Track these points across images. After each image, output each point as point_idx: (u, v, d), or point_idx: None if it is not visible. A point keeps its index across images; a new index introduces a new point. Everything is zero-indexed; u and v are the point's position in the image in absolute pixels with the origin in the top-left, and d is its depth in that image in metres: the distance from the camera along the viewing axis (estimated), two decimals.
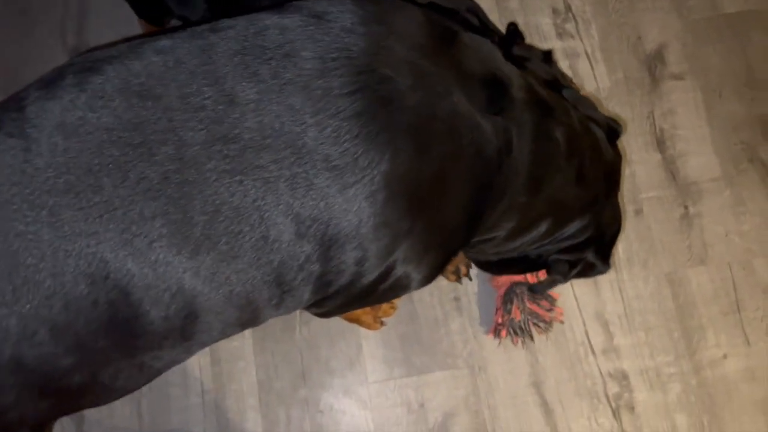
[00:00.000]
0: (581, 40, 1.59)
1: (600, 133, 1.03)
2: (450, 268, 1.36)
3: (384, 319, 1.39)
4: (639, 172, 1.50)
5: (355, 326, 1.38)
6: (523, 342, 1.34)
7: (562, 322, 1.38)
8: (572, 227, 1.01)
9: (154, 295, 0.65)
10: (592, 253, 1.07)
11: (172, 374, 1.35)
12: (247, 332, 1.37)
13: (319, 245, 0.69)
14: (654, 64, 1.58)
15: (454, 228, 0.81)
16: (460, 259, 1.35)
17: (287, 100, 0.66)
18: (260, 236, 0.66)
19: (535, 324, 1.32)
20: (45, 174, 0.62)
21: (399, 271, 0.78)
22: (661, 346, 1.40)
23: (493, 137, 0.78)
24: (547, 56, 1.29)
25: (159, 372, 0.77)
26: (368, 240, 0.71)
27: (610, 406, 1.37)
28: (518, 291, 1.29)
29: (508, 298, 1.30)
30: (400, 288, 0.82)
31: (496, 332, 1.34)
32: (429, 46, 0.74)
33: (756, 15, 1.62)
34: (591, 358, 1.39)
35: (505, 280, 1.30)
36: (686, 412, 1.36)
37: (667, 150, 1.52)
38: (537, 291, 1.23)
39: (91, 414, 1.32)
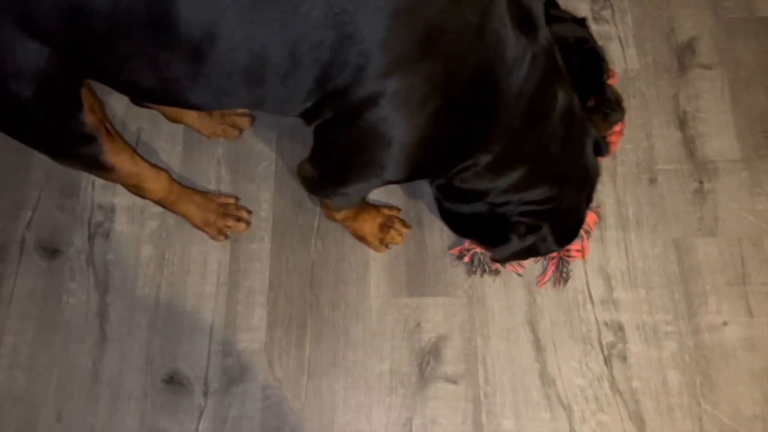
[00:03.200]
0: (616, 25, 1.69)
1: (594, 134, 1.13)
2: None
3: (392, 246, 1.47)
4: (657, 145, 1.56)
5: (365, 246, 1.47)
6: (478, 274, 1.43)
7: (519, 275, 1.44)
8: (538, 192, 1.10)
9: None
10: (549, 227, 1.14)
11: (192, 264, 1.46)
12: (267, 237, 1.48)
13: (336, 36, 0.78)
14: (684, 54, 1.65)
15: (449, 104, 0.89)
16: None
17: None
18: (297, 3, 0.76)
19: (486, 264, 1.42)
20: None
21: (384, 110, 0.85)
22: (660, 305, 1.42)
23: (513, 48, 0.89)
24: (581, 21, 1.40)
25: (162, 81, 0.84)
26: (374, 50, 0.80)
27: (603, 353, 1.38)
28: None
29: None
30: (378, 139, 0.90)
31: (461, 254, 1.43)
32: None
33: None
34: (589, 306, 1.42)
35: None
36: (679, 370, 1.36)
37: (688, 130, 1.57)
38: (497, 260, 1.30)
39: (115, 286, 1.45)
